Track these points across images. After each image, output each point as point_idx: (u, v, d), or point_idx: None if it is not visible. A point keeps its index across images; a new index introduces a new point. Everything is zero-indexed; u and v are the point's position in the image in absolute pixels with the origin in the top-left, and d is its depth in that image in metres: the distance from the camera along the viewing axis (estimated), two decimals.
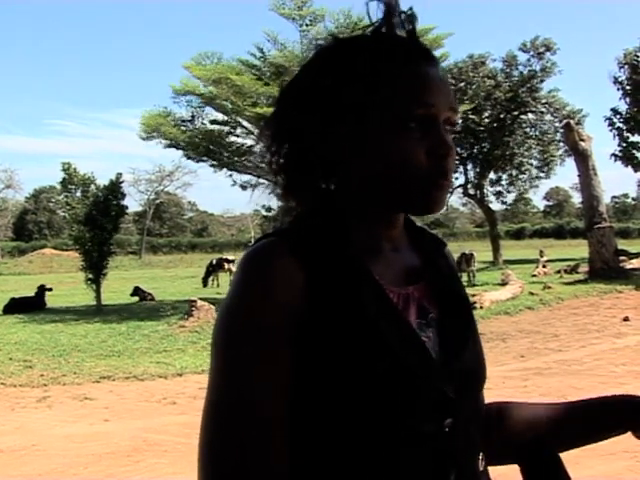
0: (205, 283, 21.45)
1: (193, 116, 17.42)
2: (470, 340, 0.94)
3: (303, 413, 0.83)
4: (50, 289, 17.10)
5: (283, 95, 0.95)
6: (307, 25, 15.63)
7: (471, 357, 0.93)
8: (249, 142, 17.19)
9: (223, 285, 20.44)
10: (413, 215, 0.97)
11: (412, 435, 0.83)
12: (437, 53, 22.33)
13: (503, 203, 33.16)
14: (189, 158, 17.90)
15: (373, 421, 0.82)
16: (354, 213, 0.92)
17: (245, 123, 16.57)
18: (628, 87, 26.42)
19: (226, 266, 21.35)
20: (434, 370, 0.86)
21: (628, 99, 26.59)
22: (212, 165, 17.98)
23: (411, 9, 0.91)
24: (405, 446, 0.83)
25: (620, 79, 26.63)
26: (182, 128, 17.00)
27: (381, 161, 0.87)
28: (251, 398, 0.81)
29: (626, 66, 26.19)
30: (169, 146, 17.18)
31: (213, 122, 17.41)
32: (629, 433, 0.96)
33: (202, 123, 17.54)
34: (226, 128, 17.43)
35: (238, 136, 17.41)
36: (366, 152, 0.88)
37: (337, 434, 0.82)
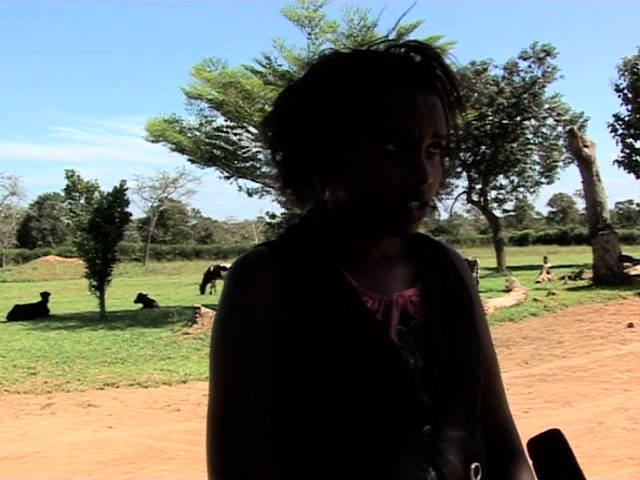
0: (203, 290, 21.44)
1: (201, 124, 17.33)
2: (459, 345, 0.93)
3: (289, 413, 0.86)
4: (49, 294, 17.11)
5: (281, 102, 0.95)
6: (316, 32, 15.45)
7: (457, 362, 0.91)
8: (254, 149, 17.13)
9: (220, 292, 20.39)
10: (385, 235, 0.94)
11: (387, 440, 0.84)
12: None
13: (505, 211, 33.11)
14: (194, 163, 17.82)
15: (346, 424, 0.84)
16: (342, 222, 0.94)
17: (252, 129, 16.49)
18: (629, 94, 26.43)
19: (223, 273, 21.33)
20: (407, 377, 0.86)
21: (630, 106, 26.61)
22: (217, 170, 17.88)
23: (423, 44, 0.89)
24: (381, 451, 0.83)
25: (621, 86, 26.67)
26: (188, 135, 16.93)
27: (357, 182, 0.88)
28: (231, 402, 0.85)
29: (626, 73, 26.20)
30: (174, 150, 17.11)
31: (218, 130, 17.33)
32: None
33: (211, 129, 17.40)
34: (232, 134, 17.34)
35: (244, 142, 17.33)
36: (346, 171, 0.89)
37: (314, 432, 0.85)
